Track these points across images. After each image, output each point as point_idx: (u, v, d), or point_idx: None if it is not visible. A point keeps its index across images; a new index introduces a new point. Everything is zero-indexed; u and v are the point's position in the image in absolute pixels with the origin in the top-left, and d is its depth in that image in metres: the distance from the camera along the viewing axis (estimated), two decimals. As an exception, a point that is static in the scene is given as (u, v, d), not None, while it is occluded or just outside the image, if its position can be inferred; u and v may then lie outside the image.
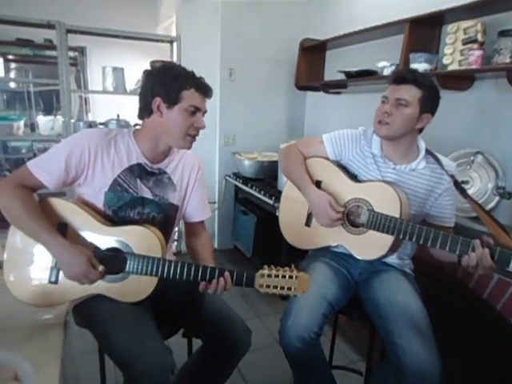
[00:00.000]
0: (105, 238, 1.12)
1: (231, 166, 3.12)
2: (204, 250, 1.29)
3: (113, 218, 1.18)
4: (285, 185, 1.56)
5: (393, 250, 1.29)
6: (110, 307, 1.10)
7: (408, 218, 1.26)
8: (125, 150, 1.19)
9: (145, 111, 1.16)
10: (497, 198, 1.74)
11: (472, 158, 1.81)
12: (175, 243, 3.20)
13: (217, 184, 3.23)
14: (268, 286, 1.05)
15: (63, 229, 1.10)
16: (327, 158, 1.45)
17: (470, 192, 1.82)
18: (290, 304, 1.27)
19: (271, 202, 2.40)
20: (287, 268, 1.05)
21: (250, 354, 1.24)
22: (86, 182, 1.16)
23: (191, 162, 1.32)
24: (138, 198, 1.21)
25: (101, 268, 1.07)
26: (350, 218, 1.36)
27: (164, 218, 1.26)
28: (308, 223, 1.45)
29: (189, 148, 1.21)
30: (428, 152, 1.35)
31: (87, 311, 1.14)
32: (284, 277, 1.03)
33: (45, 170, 1.10)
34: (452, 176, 1.30)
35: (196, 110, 1.14)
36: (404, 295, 1.26)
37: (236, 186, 3.06)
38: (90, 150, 1.12)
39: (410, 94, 1.26)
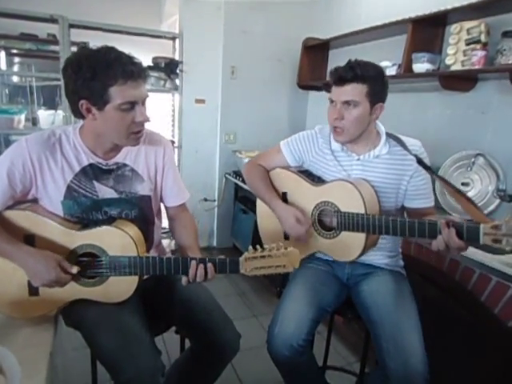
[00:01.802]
0: (75, 244, 1.05)
1: (231, 164, 3.11)
2: (185, 231, 1.23)
3: (80, 223, 1.10)
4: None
5: (370, 245, 1.25)
6: (96, 310, 1.06)
7: (376, 211, 1.22)
8: (72, 152, 1.08)
9: (77, 113, 1.03)
10: (497, 201, 1.73)
11: (473, 159, 1.80)
12: (173, 241, 3.19)
13: (217, 182, 3.22)
14: (256, 268, 0.99)
15: (31, 240, 1.04)
16: (288, 168, 1.43)
17: (470, 194, 1.81)
18: (277, 311, 1.24)
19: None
20: (274, 245, 0.99)
21: (246, 353, 1.22)
22: (39, 194, 1.08)
23: (154, 147, 1.19)
24: (100, 201, 1.11)
25: (75, 270, 1.01)
26: (324, 223, 1.32)
27: (139, 212, 1.17)
28: (286, 235, 1.39)
29: (137, 144, 1.09)
30: (389, 135, 1.30)
31: (74, 314, 1.10)
32: (271, 256, 0.99)
33: None
34: (415, 155, 1.23)
35: (133, 104, 1.00)
36: (392, 297, 1.22)
37: (236, 184, 3.05)
38: (32, 159, 1.03)
39: (356, 92, 1.17)
